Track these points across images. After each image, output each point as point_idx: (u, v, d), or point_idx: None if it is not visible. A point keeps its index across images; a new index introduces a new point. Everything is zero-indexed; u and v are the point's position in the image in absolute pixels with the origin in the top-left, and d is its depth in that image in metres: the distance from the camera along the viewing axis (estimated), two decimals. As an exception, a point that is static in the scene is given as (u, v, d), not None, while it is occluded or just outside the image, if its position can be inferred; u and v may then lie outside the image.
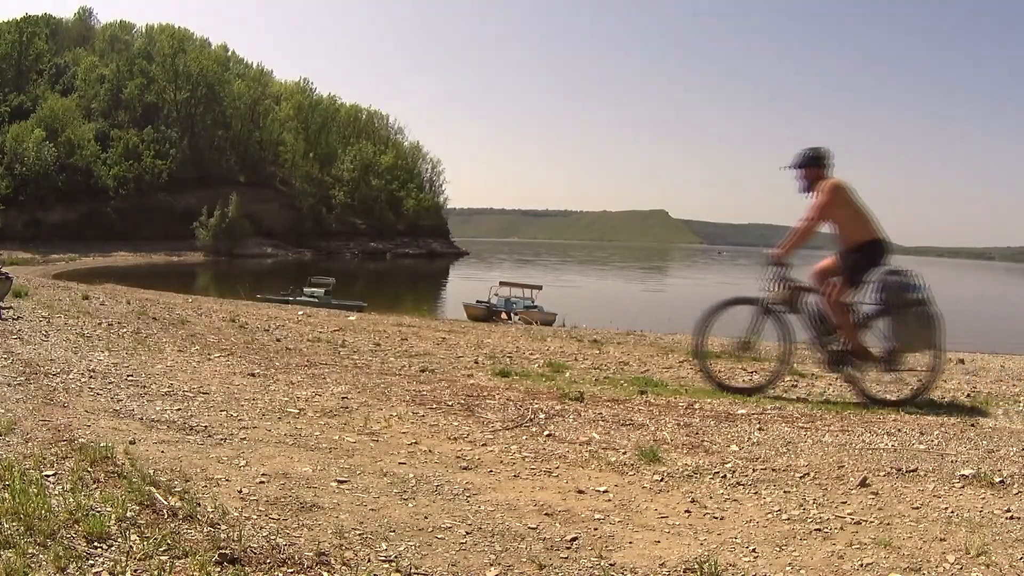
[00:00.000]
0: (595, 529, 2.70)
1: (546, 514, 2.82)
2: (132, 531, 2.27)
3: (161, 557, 2.13)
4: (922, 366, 5.15)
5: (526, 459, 3.51)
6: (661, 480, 3.26)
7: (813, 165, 5.34)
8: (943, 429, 4.20)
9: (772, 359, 5.90)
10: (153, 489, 2.63)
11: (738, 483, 3.22)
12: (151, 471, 2.87)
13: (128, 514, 2.38)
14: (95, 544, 2.17)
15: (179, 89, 68.07)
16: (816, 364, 5.68)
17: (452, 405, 4.52)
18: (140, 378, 4.78)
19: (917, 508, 2.93)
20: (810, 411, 4.67)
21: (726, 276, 60.47)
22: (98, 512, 2.36)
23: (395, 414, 4.24)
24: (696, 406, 4.74)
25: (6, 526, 2.19)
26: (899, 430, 4.17)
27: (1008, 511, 2.86)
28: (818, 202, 5.22)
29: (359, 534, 2.50)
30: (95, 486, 2.64)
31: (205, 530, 2.36)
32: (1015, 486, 3.14)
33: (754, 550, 2.53)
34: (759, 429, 4.13)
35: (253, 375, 5.22)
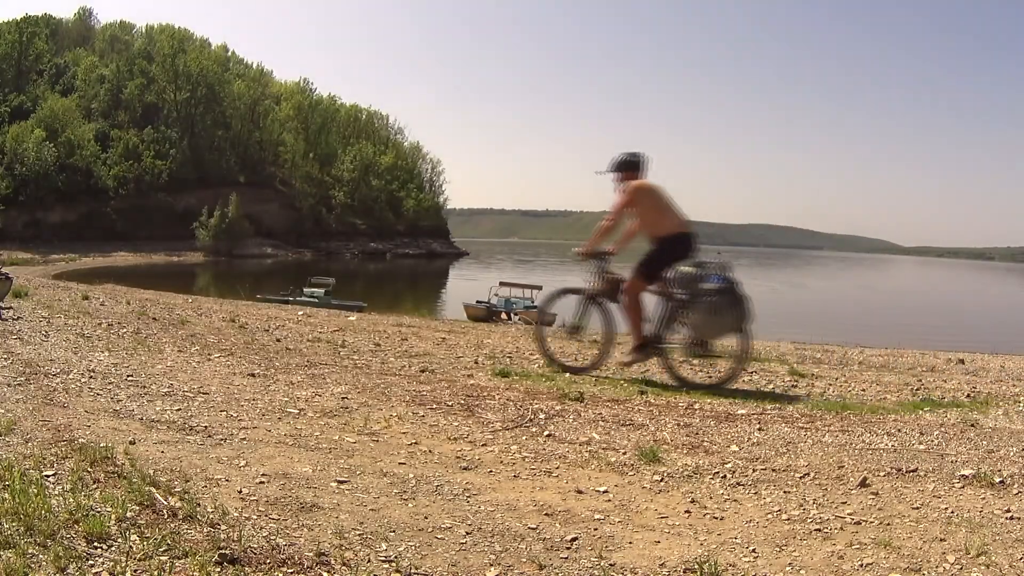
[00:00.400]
0: (595, 529, 2.70)
1: (546, 514, 2.82)
2: (132, 531, 2.27)
3: (161, 557, 2.13)
4: (735, 352, 5.70)
5: (526, 459, 3.51)
6: (661, 480, 3.26)
7: (627, 169, 5.80)
8: (943, 429, 4.20)
9: (599, 342, 6.51)
10: (153, 489, 2.63)
11: (738, 483, 3.22)
12: (151, 471, 2.87)
13: (128, 514, 2.38)
14: (95, 544, 2.17)
15: (179, 89, 68.11)
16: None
17: (452, 405, 4.52)
18: (140, 378, 4.77)
19: (917, 508, 2.93)
20: (810, 411, 4.67)
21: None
22: (98, 512, 2.36)
23: (395, 414, 4.24)
24: (696, 406, 4.74)
25: (6, 526, 2.19)
26: (899, 430, 4.17)
27: (1008, 511, 2.86)
28: (618, 202, 5.81)
29: (359, 534, 2.50)
30: (95, 486, 2.64)
31: (205, 530, 2.36)
32: (1015, 486, 3.14)
33: (754, 550, 2.53)
34: (759, 429, 4.13)
35: (253, 375, 5.22)
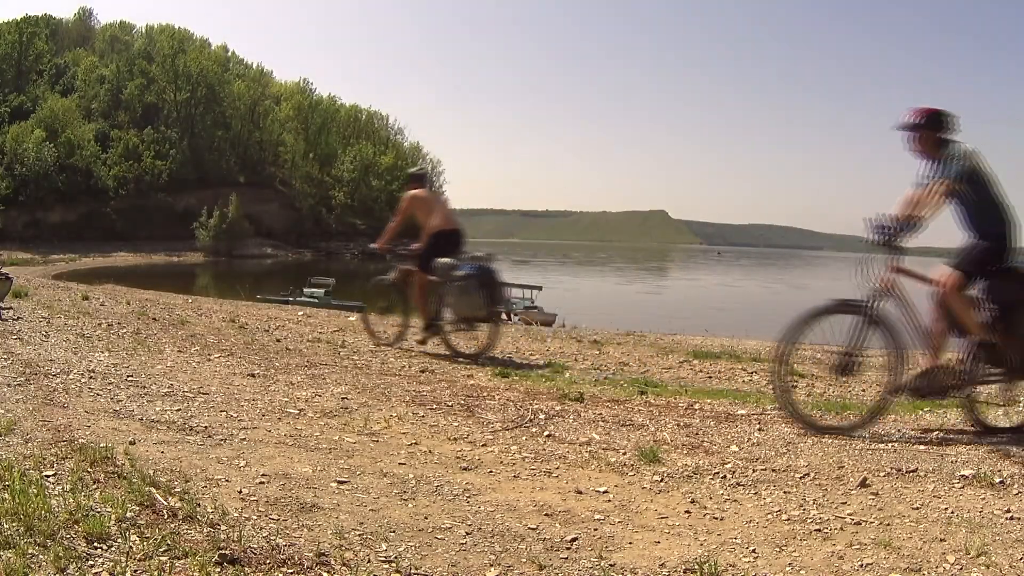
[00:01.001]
0: (595, 529, 2.70)
1: (546, 514, 2.82)
2: (132, 531, 2.27)
3: (161, 557, 2.12)
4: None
5: (526, 460, 3.51)
6: (661, 481, 3.26)
7: (413, 182, 7.34)
8: (943, 429, 4.21)
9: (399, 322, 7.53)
10: (153, 489, 2.63)
11: (738, 484, 3.22)
12: (151, 471, 2.87)
13: (128, 514, 2.38)
14: (95, 544, 2.17)
15: (179, 90, 68.11)
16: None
17: (452, 406, 4.52)
18: (140, 379, 4.77)
19: (917, 508, 2.93)
20: (810, 411, 4.67)
21: (726, 276, 60.48)
22: (98, 512, 2.36)
23: (395, 414, 4.24)
24: (696, 407, 4.74)
25: (6, 526, 2.19)
26: (899, 430, 4.17)
27: (1008, 511, 2.86)
28: (398, 208, 7.29)
29: (359, 534, 2.50)
30: (95, 486, 2.64)
31: (205, 530, 2.36)
32: (1015, 486, 3.14)
33: (754, 550, 2.53)
34: (759, 429, 4.13)
35: (253, 375, 5.22)
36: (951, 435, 4.07)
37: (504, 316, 22.99)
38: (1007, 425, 4.12)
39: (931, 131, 4.02)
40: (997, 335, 3.97)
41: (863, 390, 5.85)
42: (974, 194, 3.94)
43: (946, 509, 2.91)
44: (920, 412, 4.77)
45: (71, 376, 4.67)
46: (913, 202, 4.01)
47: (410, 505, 2.84)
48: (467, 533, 2.59)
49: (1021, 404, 4.35)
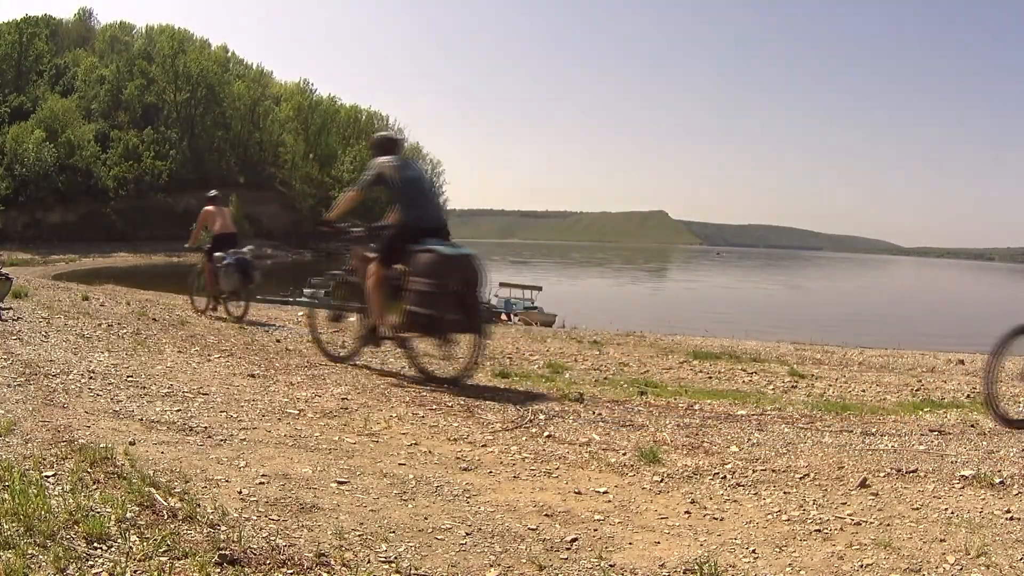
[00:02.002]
0: (595, 530, 2.70)
1: (546, 515, 2.82)
2: (132, 532, 2.27)
3: (161, 558, 2.12)
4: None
5: (526, 460, 3.51)
6: (661, 481, 3.26)
7: (210, 201, 9.35)
8: (943, 430, 4.21)
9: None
10: (153, 490, 2.63)
11: (738, 484, 3.22)
12: (151, 472, 2.86)
13: (128, 515, 2.38)
14: (95, 545, 2.17)
15: (179, 90, 68.11)
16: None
17: (452, 406, 4.52)
18: (140, 379, 4.77)
19: (917, 509, 2.93)
20: (810, 412, 4.67)
21: (726, 276, 60.46)
22: (98, 513, 2.36)
23: (395, 415, 4.24)
24: (696, 407, 4.74)
25: (6, 527, 2.19)
26: (899, 431, 4.17)
27: (1008, 512, 2.86)
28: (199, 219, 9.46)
29: (359, 535, 2.50)
30: (95, 487, 2.64)
31: (205, 531, 2.36)
32: (1015, 487, 3.14)
33: (754, 551, 2.53)
34: (759, 430, 4.13)
35: (253, 376, 5.22)
36: (951, 435, 4.06)
37: (504, 317, 23.01)
38: None
39: None
40: None
41: (863, 391, 5.85)
42: None
43: (946, 509, 2.91)
44: (920, 412, 4.77)
45: (71, 376, 4.66)
46: None
47: (410, 505, 2.84)
48: (467, 533, 2.59)
49: None
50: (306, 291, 25.42)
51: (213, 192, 10.01)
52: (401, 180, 5.51)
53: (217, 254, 9.21)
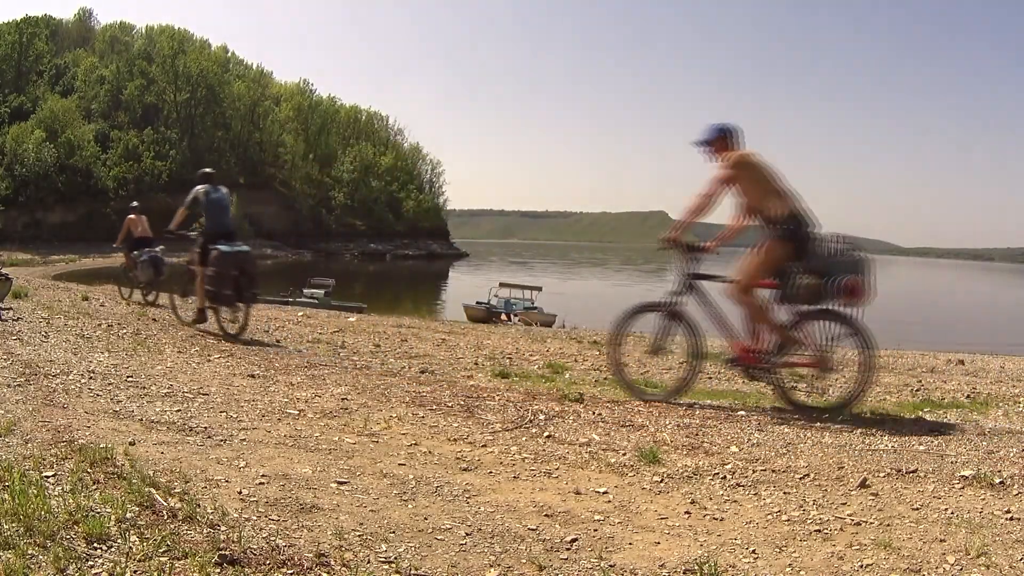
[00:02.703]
0: (595, 530, 2.70)
1: (546, 515, 2.82)
2: (132, 532, 2.27)
3: (161, 558, 2.12)
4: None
5: (526, 460, 3.51)
6: (661, 481, 3.26)
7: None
8: (943, 430, 4.21)
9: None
10: (153, 490, 2.63)
11: (738, 484, 3.22)
12: (151, 472, 2.87)
13: (128, 515, 2.38)
14: (95, 545, 2.17)
15: (179, 90, 68.16)
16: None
17: (452, 406, 4.52)
18: (140, 379, 4.77)
19: (917, 509, 2.93)
20: (810, 412, 4.67)
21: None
22: (98, 513, 2.36)
23: (395, 415, 4.24)
24: (696, 407, 4.74)
25: (6, 527, 2.19)
26: (899, 431, 4.17)
27: (1008, 512, 2.86)
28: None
29: (359, 535, 2.50)
30: (95, 487, 2.64)
31: (205, 531, 2.36)
32: (1015, 487, 3.14)
33: (754, 551, 2.53)
34: (759, 430, 4.13)
35: (253, 376, 5.22)
36: (951, 435, 4.07)
37: (504, 317, 23.02)
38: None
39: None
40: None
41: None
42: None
43: (946, 510, 2.91)
44: (920, 413, 4.77)
45: (71, 377, 4.67)
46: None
47: (410, 506, 2.84)
48: (467, 534, 2.59)
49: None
50: (306, 291, 25.42)
51: (134, 203, 12.23)
52: (207, 201, 7.90)
53: (135, 252, 11.06)
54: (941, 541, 2.60)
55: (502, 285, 26.47)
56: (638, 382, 5.43)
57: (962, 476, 3.28)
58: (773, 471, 3.40)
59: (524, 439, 3.87)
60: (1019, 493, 3.08)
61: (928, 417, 4.61)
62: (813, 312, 4.64)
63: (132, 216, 12.18)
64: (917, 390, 5.98)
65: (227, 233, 7.77)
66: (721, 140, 4.90)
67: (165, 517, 2.41)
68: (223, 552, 2.19)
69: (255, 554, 2.23)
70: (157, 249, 11.45)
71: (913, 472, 3.36)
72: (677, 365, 5.71)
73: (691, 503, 3.00)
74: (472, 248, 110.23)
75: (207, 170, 8.33)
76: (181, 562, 2.12)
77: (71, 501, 2.45)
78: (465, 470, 3.34)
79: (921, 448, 3.79)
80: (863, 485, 3.18)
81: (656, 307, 5.09)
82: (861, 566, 2.41)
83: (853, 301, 4.52)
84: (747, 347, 4.75)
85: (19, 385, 4.30)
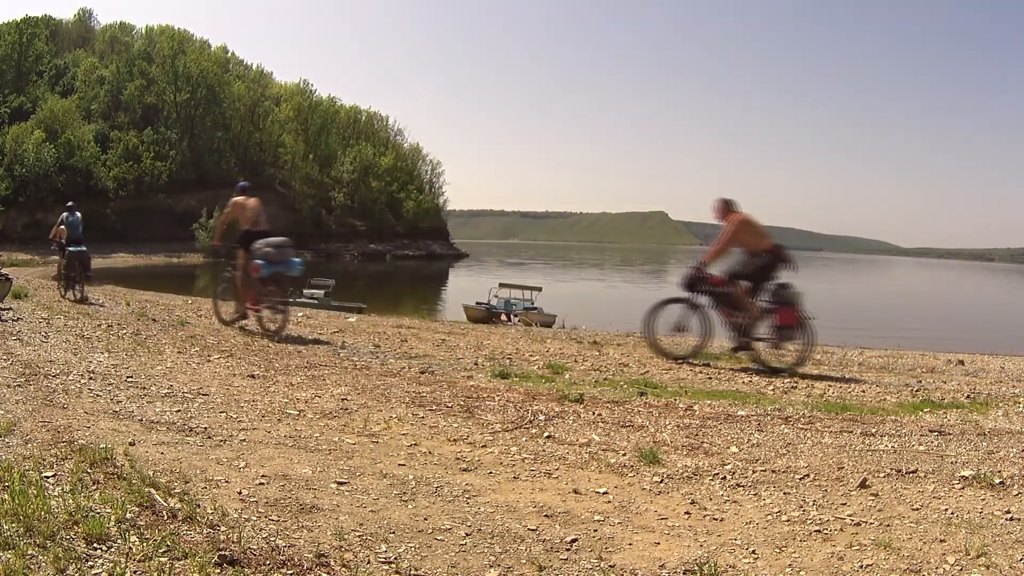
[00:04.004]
0: (595, 531, 2.70)
1: (546, 516, 2.82)
2: (132, 532, 2.27)
3: (161, 559, 2.12)
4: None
5: (526, 461, 3.51)
6: (661, 482, 3.26)
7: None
8: (943, 430, 4.21)
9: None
10: (153, 490, 2.63)
11: (738, 484, 3.22)
12: (151, 472, 2.87)
13: (128, 515, 2.38)
14: (95, 545, 2.17)
15: (179, 91, 68.10)
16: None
17: (452, 407, 4.52)
18: (140, 379, 4.77)
19: (917, 509, 2.93)
20: (810, 412, 4.67)
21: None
22: (98, 513, 2.36)
23: (395, 416, 4.24)
24: (696, 408, 4.73)
25: (6, 527, 2.19)
26: (899, 431, 4.17)
27: (1008, 512, 2.86)
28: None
29: (359, 535, 2.50)
30: (95, 487, 2.64)
31: (205, 531, 2.36)
32: (1015, 487, 3.14)
33: (754, 551, 2.53)
34: (759, 430, 4.13)
35: (253, 376, 5.22)
36: (951, 435, 4.07)
37: (503, 318, 23.00)
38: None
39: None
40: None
41: (863, 391, 5.86)
42: None
43: (946, 510, 2.91)
44: (920, 413, 4.77)
45: (71, 377, 4.67)
46: None
47: (410, 506, 2.84)
48: (467, 534, 2.59)
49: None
50: (305, 291, 25.40)
51: (70, 203, 12.78)
52: (67, 222, 11.71)
53: (70, 248, 12.29)
54: (941, 541, 2.60)
55: (502, 285, 26.45)
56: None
57: (962, 476, 3.28)
58: (773, 471, 3.40)
59: (524, 439, 3.87)
60: (1019, 493, 3.08)
61: (928, 417, 4.61)
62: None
63: (62, 227, 13.11)
64: (917, 390, 5.98)
65: (77, 240, 11.75)
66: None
67: (165, 517, 2.41)
68: (223, 552, 2.19)
69: (255, 554, 2.23)
70: (84, 248, 12.79)
71: (913, 472, 3.36)
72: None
73: (691, 503, 3.00)
74: (472, 248, 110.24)
75: (69, 203, 12.49)
76: (181, 562, 2.11)
77: (71, 501, 2.45)
78: (465, 470, 3.34)
79: (921, 448, 3.79)
80: (863, 485, 3.18)
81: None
82: (861, 566, 2.41)
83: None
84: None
85: (19, 385, 4.30)
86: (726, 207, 7.29)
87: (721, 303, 7.00)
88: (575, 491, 3.11)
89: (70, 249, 11.59)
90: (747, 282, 6.94)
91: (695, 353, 7.20)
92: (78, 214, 12.10)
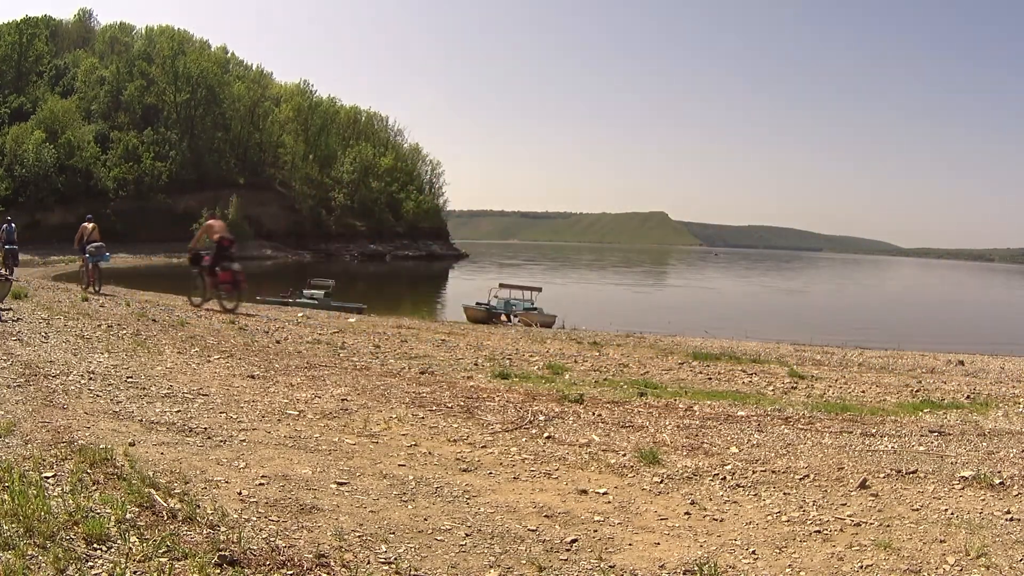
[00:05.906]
0: (595, 531, 2.70)
1: (546, 516, 2.82)
2: (132, 533, 2.27)
3: (161, 559, 2.12)
4: None
5: (526, 461, 3.51)
6: (661, 482, 3.26)
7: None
8: (943, 430, 4.20)
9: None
10: (153, 491, 2.63)
11: (738, 485, 3.22)
12: (151, 473, 2.86)
13: (128, 516, 2.38)
14: (95, 546, 2.17)
15: (179, 91, 68.10)
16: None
17: (452, 407, 4.52)
18: (140, 380, 4.77)
19: (917, 510, 2.93)
20: (810, 413, 4.67)
21: (727, 277, 60.42)
22: (98, 514, 2.35)
23: (395, 416, 4.24)
24: (695, 408, 4.74)
25: (6, 527, 2.19)
26: (899, 432, 4.17)
27: (1008, 513, 2.86)
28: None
29: (359, 536, 2.50)
30: (95, 488, 2.64)
31: (205, 532, 2.36)
32: (1015, 488, 3.14)
33: (754, 552, 2.53)
34: (758, 431, 4.13)
35: (253, 377, 5.22)
36: (951, 435, 4.06)
37: (503, 318, 23.00)
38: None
39: None
40: None
41: (863, 391, 5.86)
42: None
43: (946, 510, 2.91)
44: (920, 413, 4.78)
45: (71, 377, 4.66)
46: None
47: (410, 507, 2.83)
48: (467, 535, 2.59)
49: None
50: (305, 292, 25.39)
51: (9, 215, 15.88)
52: (3, 230, 16.50)
53: (8, 246, 15.65)
54: (941, 542, 2.60)
55: (502, 286, 26.43)
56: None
57: (962, 477, 3.28)
58: (773, 472, 3.40)
59: (524, 440, 3.87)
60: (1019, 494, 3.08)
61: (928, 417, 4.61)
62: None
63: (3, 227, 16.76)
64: (917, 390, 5.98)
65: (11, 241, 15.86)
66: None
67: (165, 518, 2.41)
68: (223, 553, 2.19)
69: (255, 554, 2.23)
70: (16, 247, 16.73)
71: (913, 473, 3.36)
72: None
73: (691, 504, 3.00)
74: (472, 249, 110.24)
75: (8, 217, 15.95)
76: (181, 563, 2.11)
77: (71, 502, 2.44)
78: (465, 471, 3.33)
79: (921, 449, 3.79)
80: (863, 486, 3.18)
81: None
82: (861, 567, 2.40)
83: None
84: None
85: (19, 386, 4.29)
86: None
87: None
88: (575, 491, 3.10)
89: (6, 247, 15.68)
90: None
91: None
92: (13, 224, 16.07)
